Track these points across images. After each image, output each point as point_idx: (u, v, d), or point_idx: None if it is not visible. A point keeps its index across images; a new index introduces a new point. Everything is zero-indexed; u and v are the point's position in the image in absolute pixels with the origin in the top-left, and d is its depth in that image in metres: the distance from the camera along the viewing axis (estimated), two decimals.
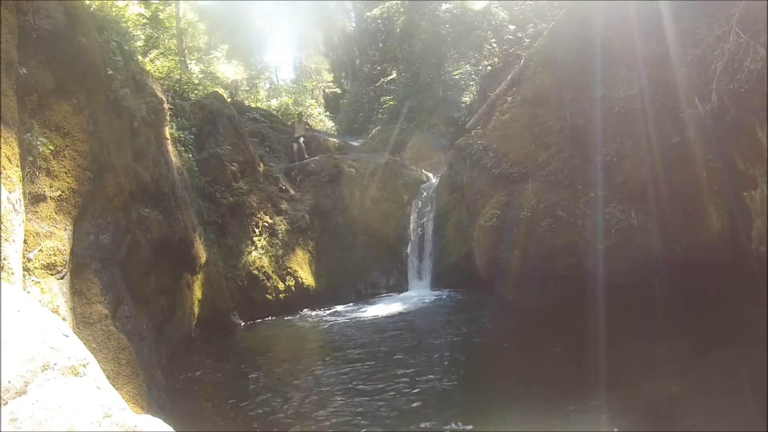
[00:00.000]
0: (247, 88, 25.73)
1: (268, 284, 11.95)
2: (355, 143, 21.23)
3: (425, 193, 14.84)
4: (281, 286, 12.13)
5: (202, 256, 10.01)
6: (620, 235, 8.98)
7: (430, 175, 16.23)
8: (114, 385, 2.98)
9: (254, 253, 11.98)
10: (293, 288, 12.30)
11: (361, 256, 13.80)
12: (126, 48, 7.97)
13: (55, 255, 4.72)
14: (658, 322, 7.71)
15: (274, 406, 6.59)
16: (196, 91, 15.83)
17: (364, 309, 11.89)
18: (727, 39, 6.60)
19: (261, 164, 13.69)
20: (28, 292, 4.28)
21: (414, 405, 6.19)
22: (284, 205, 13.25)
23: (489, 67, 19.68)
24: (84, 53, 5.91)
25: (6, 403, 2.09)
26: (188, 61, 21.54)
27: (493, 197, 11.26)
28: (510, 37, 19.06)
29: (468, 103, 20.23)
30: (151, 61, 15.73)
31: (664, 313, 7.80)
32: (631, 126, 8.79)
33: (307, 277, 12.69)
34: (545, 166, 10.58)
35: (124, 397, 3.00)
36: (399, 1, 26.34)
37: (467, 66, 20.88)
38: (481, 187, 11.68)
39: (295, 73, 35.39)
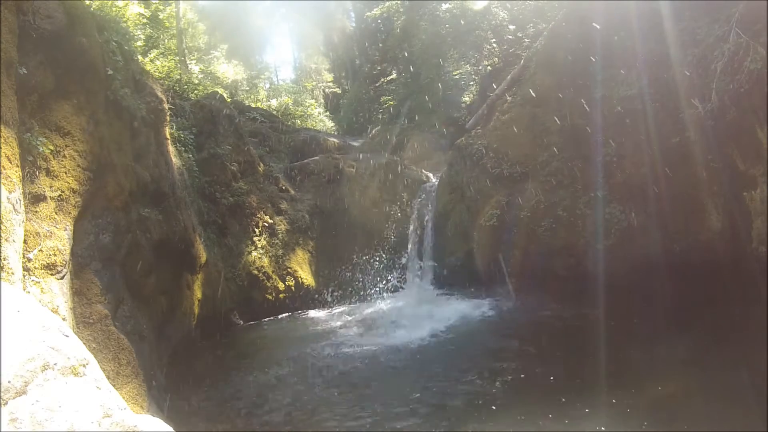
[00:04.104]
0: (247, 88, 25.66)
1: (268, 284, 11.95)
2: (355, 143, 21.17)
3: (425, 194, 14.82)
4: (281, 286, 12.13)
5: (202, 256, 10.00)
6: (620, 235, 8.97)
7: (430, 175, 16.19)
8: (114, 385, 2.98)
9: (254, 253, 11.98)
10: (293, 288, 12.29)
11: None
12: (126, 48, 7.97)
13: (55, 255, 4.72)
14: (658, 322, 7.71)
15: (274, 406, 6.59)
16: (196, 91, 15.79)
17: (363, 309, 11.88)
18: (727, 39, 6.62)
19: (261, 164, 13.68)
20: (28, 292, 4.28)
21: (412, 406, 6.19)
22: (284, 205, 13.25)
23: (489, 67, 19.65)
24: (84, 53, 5.91)
25: (6, 403, 2.09)
26: (188, 61, 21.49)
27: (493, 197, 11.26)
28: (510, 37, 19.02)
29: (468, 103, 20.21)
30: (151, 61, 15.71)
31: (664, 314, 7.80)
32: (631, 126, 8.80)
33: (307, 276, 12.69)
34: (545, 166, 10.58)
35: (124, 397, 3.00)
36: (399, 1, 26.29)
37: (467, 66, 20.86)
38: (481, 187, 11.67)
39: (295, 73, 35.26)
